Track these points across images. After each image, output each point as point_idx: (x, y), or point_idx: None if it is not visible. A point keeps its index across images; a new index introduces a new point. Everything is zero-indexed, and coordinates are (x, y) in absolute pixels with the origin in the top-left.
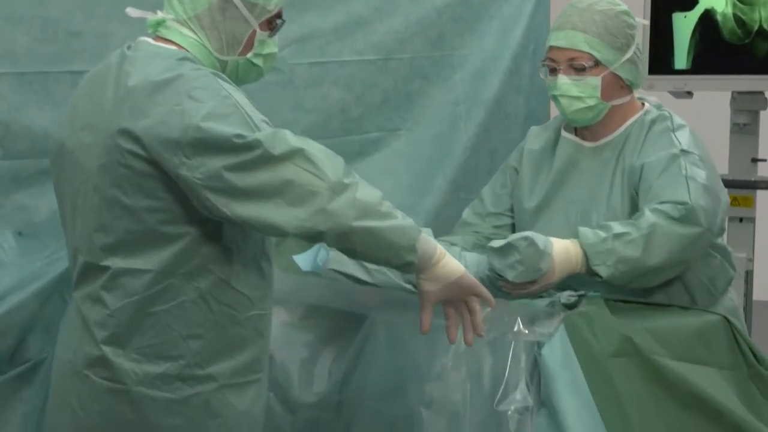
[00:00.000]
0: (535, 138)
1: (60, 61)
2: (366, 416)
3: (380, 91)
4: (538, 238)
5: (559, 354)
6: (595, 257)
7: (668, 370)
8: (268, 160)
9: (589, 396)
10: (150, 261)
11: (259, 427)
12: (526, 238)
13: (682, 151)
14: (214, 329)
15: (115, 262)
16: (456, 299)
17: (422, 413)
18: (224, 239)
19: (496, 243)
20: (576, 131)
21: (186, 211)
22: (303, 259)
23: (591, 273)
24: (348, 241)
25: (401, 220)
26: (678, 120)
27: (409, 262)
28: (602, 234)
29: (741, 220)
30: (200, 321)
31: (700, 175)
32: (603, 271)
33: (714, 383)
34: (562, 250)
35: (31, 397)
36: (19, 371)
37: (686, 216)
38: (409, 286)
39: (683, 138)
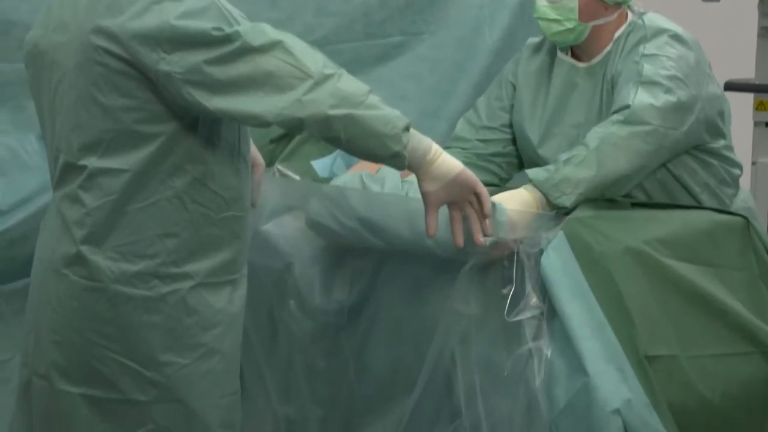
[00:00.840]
0: (530, 59)
1: None
2: (383, 326)
3: None
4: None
5: (558, 261)
6: (552, 191)
7: (670, 269)
8: (248, 51)
9: (592, 298)
10: (126, 161)
11: (237, 325)
12: None
13: (643, 56)
14: (189, 228)
15: (92, 162)
16: (459, 199)
17: (438, 323)
18: (199, 139)
19: None
20: (571, 52)
21: (161, 111)
22: (320, 165)
23: (556, 208)
24: (330, 129)
25: (387, 111)
26: (658, 25)
27: (396, 153)
28: (551, 167)
29: (767, 124)
30: (175, 220)
31: (660, 74)
32: (565, 201)
33: (719, 283)
34: (519, 202)
35: None
36: None
37: (629, 117)
38: None
39: (653, 44)
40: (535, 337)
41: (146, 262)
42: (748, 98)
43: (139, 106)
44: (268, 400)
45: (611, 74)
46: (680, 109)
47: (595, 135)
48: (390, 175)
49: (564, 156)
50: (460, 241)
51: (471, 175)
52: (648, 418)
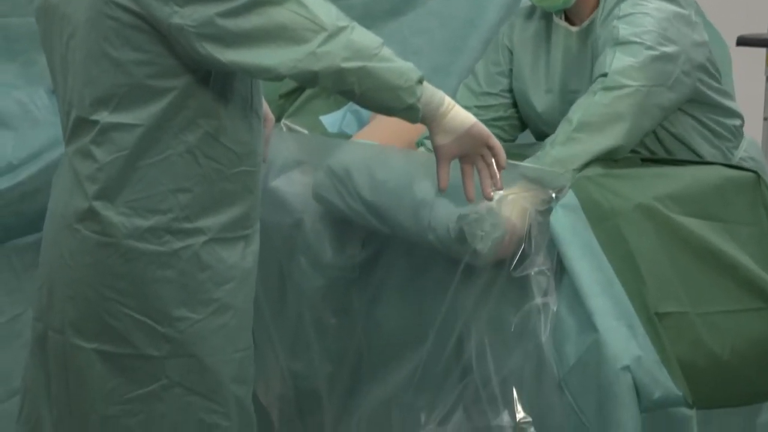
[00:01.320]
0: (525, 24)
1: None
2: (395, 283)
3: None
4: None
5: (567, 219)
6: None
7: (681, 225)
8: (261, 3)
9: (602, 256)
10: (138, 116)
11: (250, 280)
12: (464, 227)
13: (618, 18)
14: (201, 183)
15: (104, 117)
16: (471, 152)
17: (452, 282)
18: (212, 93)
19: (452, 231)
20: (565, 16)
21: (174, 65)
22: (329, 120)
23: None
24: (344, 83)
25: (400, 63)
26: None
27: (410, 105)
28: (539, 153)
29: None
30: (188, 175)
31: (636, 32)
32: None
33: (729, 239)
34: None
35: None
36: None
37: (608, 83)
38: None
39: (628, 3)
40: (543, 294)
41: (159, 217)
42: (761, 53)
43: (151, 60)
44: (276, 355)
45: (595, 38)
46: (661, 61)
47: (577, 108)
48: None
49: (549, 139)
50: (472, 194)
51: (484, 128)
52: (658, 374)
